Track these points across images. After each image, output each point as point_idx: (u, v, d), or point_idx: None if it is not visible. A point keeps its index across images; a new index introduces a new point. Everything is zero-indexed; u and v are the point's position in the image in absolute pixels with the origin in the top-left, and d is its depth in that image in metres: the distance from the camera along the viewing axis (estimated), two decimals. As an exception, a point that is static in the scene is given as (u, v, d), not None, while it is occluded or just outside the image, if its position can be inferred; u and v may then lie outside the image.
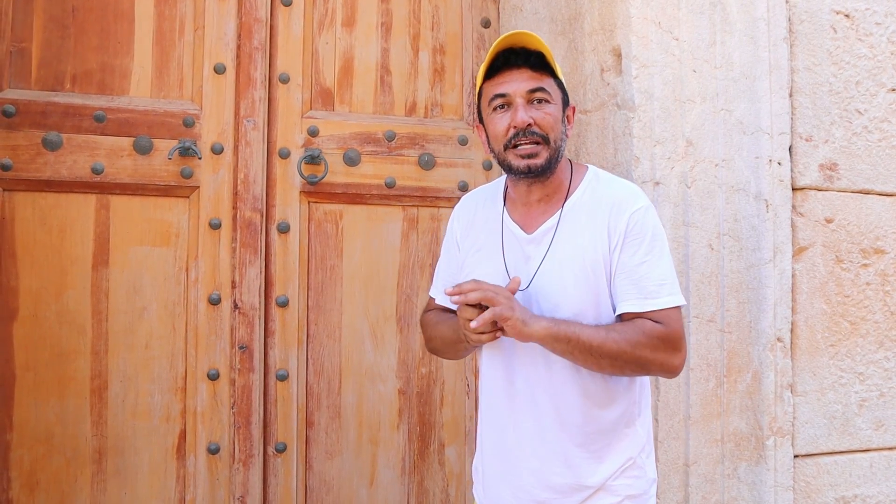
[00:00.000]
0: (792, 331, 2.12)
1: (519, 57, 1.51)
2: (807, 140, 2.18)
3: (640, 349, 1.44)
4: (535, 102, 1.50)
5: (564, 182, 1.57)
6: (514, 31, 1.52)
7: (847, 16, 2.24)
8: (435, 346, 1.71)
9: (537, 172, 1.50)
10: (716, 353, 2.01)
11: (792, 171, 2.14)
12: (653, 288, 1.47)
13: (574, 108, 1.60)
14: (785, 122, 2.12)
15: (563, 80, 1.57)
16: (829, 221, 2.19)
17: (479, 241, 1.63)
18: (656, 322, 1.47)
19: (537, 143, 1.49)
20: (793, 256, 2.13)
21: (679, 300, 1.49)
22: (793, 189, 2.15)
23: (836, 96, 2.21)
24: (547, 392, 1.51)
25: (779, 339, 2.07)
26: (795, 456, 2.11)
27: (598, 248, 1.50)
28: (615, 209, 1.50)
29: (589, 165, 1.63)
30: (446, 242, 1.73)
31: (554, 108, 1.51)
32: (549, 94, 1.51)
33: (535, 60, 1.50)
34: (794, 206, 2.14)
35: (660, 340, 1.45)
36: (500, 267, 1.56)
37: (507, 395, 1.56)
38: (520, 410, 1.54)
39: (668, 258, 1.51)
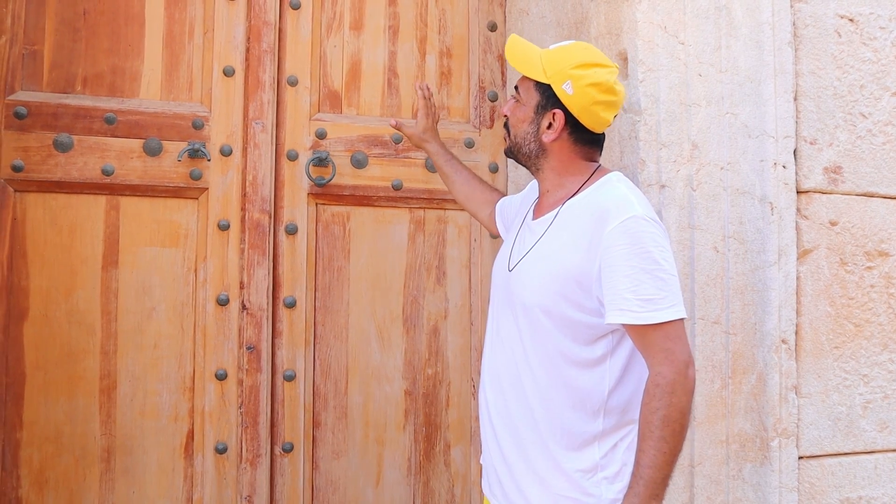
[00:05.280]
0: (796, 333, 2.13)
1: None
2: (811, 143, 2.19)
3: (667, 424, 1.38)
4: (513, 100, 1.68)
5: (564, 181, 1.63)
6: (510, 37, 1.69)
7: (851, 20, 2.25)
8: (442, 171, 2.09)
9: (506, 153, 1.72)
10: (721, 354, 2.02)
11: (797, 174, 2.16)
12: (641, 302, 1.40)
13: (556, 113, 1.58)
14: (790, 126, 2.13)
15: (554, 84, 1.57)
16: (833, 224, 2.20)
17: (514, 223, 1.80)
18: (653, 362, 1.42)
19: (506, 132, 1.70)
20: (797, 259, 2.14)
21: (667, 316, 1.40)
22: (797, 192, 2.16)
23: (841, 100, 2.23)
24: (526, 391, 1.56)
25: (783, 341, 2.08)
26: (800, 457, 2.11)
27: (576, 253, 1.49)
28: (600, 218, 1.48)
29: (613, 172, 1.63)
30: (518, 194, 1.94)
31: (522, 109, 1.64)
32: (520, 94, 1.65)
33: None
34: (798, 209, 2.16)
35: (666, 394, 1.39)
36: (509, 245, 1.70)
37: (496, 394, 1.63)
38: (505, 411, 1.60)
39: (658, 272, 1.42)
